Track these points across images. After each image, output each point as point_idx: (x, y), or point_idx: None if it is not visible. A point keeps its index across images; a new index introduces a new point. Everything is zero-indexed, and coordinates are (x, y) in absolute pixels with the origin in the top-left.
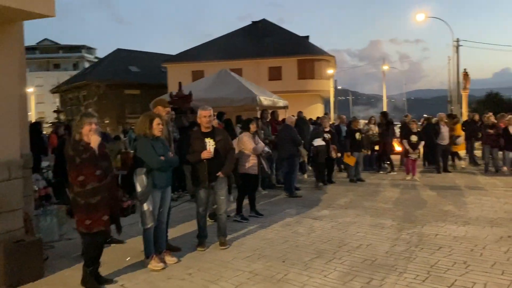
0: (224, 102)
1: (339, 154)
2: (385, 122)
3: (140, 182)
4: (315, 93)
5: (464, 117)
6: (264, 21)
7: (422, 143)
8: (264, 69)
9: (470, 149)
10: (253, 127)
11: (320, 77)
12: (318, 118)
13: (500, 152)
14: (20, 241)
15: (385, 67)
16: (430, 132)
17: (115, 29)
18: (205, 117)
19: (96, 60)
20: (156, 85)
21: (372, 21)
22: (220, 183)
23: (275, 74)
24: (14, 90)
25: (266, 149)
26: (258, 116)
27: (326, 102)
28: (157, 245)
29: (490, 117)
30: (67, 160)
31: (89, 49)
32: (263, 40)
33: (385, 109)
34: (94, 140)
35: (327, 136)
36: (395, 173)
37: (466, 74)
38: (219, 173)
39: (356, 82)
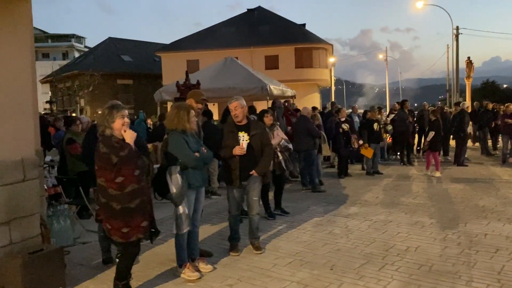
0: (232, 92)
1: (361, 142)
2: (408, 112)
3: (175, 182)
4: (313, 82)
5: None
6: (260, 8)
7: (432, 133)
8: (261, 57)
9: (483, 139)
10: (267, 119)
11: (318, 65)
12: (324, 108)
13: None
14: (39, 250)
15: (381, 56)
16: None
17: (103, 18)
18: (231, 110)
19: (86, 49)
20: (150, 74)
21: (362, 10)
22: (253, 183)
23: (272, 63)
24: (28, 79)
25: (284, 142)
26: (269, 106)
27: (322, 92)
28: (190, 251)
29: (510, 106)
30: (99, 160)
31: (79, 38)
32: (259, 28)
33: (388, 98)
34: (130, 135)
35: (345, 126)
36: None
37: (469, 62)
38: (252, 172)
39: (347, 71)
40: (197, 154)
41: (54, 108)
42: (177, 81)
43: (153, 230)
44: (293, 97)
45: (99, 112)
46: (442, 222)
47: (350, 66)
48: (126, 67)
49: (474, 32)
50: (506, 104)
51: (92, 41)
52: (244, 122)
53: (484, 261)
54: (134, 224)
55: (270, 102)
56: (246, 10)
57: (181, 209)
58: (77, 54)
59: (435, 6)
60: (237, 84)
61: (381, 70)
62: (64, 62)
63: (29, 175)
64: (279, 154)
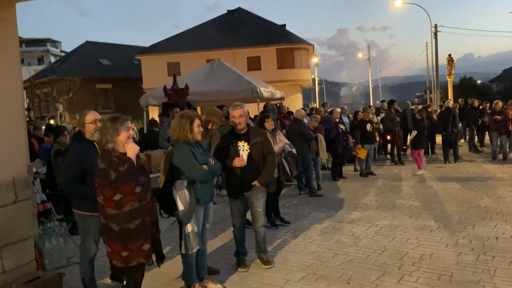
0: (222, 95)
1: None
2: (395, 112)
3: (182, 199)
4: (295, 83)
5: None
6: (239, 9)
7: (414, 132)
8: (243, 59)
9: (470, 137)
10: (268, 124)
11: (300, 66)
12: (312, 109)
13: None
14: (35, 279)
15: (360, 55)
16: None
17: (79, 22)
18: (235, 117)
19: (62, 54)
20: (129, 78)
21: (339, 10)
22: (256, 193)
23: (254, 64)
24: (18, 91)
25: (288, 147)
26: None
27: (303, 92)
28: (198, 270)
29: (498, 103)
30: (99, 177)
31: (54, 43)
32: (240, 30)
33: (371, 97)
34: (132, 149)
35: (342, 127)
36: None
37: (450, 60)
38: (255, 182)
39: (326, 70)
40: (205, 166)
41: (32, 115)
42: (165, 85)
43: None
44: (282, 98)
45: (78, 117)
46: (449, 225)
47: (329, 66)
48: (105, 71)
49: (448, 29)
50: (494, 102)
51: (68, 46)
52: (244, 130)
53: (504, 268)
54: (134, 247)
55: (261, 104)
56: (226, 12)
57: (189, 227)
58: (53, 59)
59: (411, 4)
60: (226, 87)
61: (359, 68)
62: (40, 68)
63: (21, 196)
64: (283, 159)
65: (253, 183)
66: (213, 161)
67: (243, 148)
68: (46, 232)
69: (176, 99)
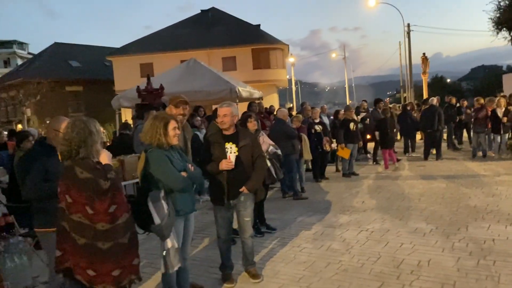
0: (200, 95)
1: (333, 145)
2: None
3: (159, 211)
4: (271, 83)
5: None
6: (213, 9)
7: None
8: (218, 59)
9: (448, 134)
10: (251, 125)
11: (276, 66)
12: (290, 109)
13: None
14: None
15: (333, 55)
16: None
17: (47, 23)
18: (219, 116)
19: (30, 56)
20: (101, 80)
21: (311, 11)
22: (244, 201)
23: (229, 64)
24: None
25: (272, 148)
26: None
27: (279, 92)
28: None
29: (479, 100)
30: (80, 189)
31: (21, 44)
32: (215, 29)
33: (347, 96)
34: (107, 155)
35: (318, 127)
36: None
37: (425, 58)
38: (243, 188)
39: (300, 71)
40: (184, 173)
41: None
42: (138, 86)
43: None
44: (261, 98)
45: (48, 122)
46: (442, 227)
47: (302, 66)
48: (75, 73)
49: (418, 28)
50: (475, 98)
51: (36, 47)
52: (232, 131)
53: (508, 273)
54: (127, 262)
55: (241, 104)
56: (199, 11)
57: (169, 243)
58: (20, 61)
59: (383, 4)
60: (204, 87)
61: (332, 69)
62: (6, 70)
63: None
64: (268, 161)
65: (240, 190)
66: (192, 167)
67: (231, 150)
68: (8, 250)
69: (150, 100)
